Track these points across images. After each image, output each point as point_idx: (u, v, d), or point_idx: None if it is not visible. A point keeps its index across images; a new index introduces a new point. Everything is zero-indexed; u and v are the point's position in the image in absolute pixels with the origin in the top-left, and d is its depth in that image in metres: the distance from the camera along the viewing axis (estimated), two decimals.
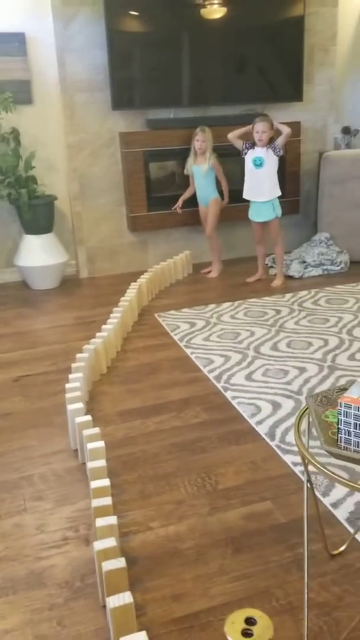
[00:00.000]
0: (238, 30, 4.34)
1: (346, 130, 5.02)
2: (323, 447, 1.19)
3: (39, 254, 4.32)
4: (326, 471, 1.15)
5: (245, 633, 1.41)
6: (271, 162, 3.97)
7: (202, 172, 4.25)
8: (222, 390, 2.61)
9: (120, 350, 3.17)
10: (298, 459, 2.06)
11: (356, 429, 1.14)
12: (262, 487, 1.95)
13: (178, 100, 4.39)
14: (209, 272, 4.48)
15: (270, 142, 3.96)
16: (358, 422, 1.14)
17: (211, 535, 1.74)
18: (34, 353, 3.20)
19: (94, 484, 1.71)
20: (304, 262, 4.45)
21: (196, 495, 1.93)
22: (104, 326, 3.11)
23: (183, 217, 4.54)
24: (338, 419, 1.16)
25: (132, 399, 2.61)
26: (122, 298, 3.56)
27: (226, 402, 2.52)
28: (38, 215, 4.25)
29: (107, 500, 1.64)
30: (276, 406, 2.43)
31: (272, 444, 2.17)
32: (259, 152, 3.97)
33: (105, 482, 1.72)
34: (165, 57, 4.24)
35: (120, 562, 1.40)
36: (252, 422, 2.33)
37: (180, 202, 4.40)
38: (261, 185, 4.02)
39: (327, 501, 1.84)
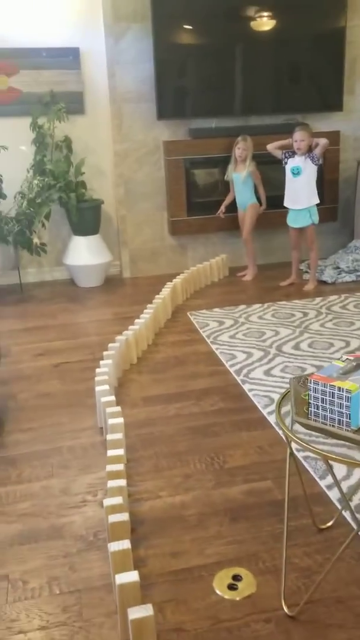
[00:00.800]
0: (280, 43, 4.51)
1: None
2: (294, 419, 1.36)
3: (85, 254, 4.62)
4: (304, 444, 1.32)
5: (231, 587, 1.59)
6: (309, 170, 4.11)
7: (241, 178, 4.43)
8: (240, 383, 2.79)
9: (152, 343, 3.40)
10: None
11: (324, 403, 1.31)
12: (265, 468, 2.12)
13: (220, 110, 4.60)
14: (244, 275, 4.65)
15: (310, 151, 4.10)
16: (325, 397, 1.31)
17: (213, 506, 1.93)
18: (74, 343, 3.48)
19: (110, 452, 1.93)
20: (338, 267, 4.56)
21: (204, 472, 2.12)
22: (136, 320, 3.35)
23: (221, 222, 4.73)
24: (309, 394, 1.33)
25: (157, 387, 2.83)
26: (157, 296, 3.79)
27: (243, 394, 2.70)
28: (86, 217, 4.55)
29: (120, 467, 1.86)
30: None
31: (281, 432, 2.33)
32: (297, 161, 4.13)
33: (120, 451, 1.94)
34: (208, 70, 4.47)
35: (123, 516, 1.62)
36: (264, 412, 2.50)
37: (223, 208, 4.60)
38: (299, 193, 4.17)
39: (323, 484, 2.00)
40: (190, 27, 4.38)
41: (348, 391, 1.27)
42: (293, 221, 4.29)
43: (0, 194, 4.35)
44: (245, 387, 2.74)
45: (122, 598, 1.39)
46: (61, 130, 4.54)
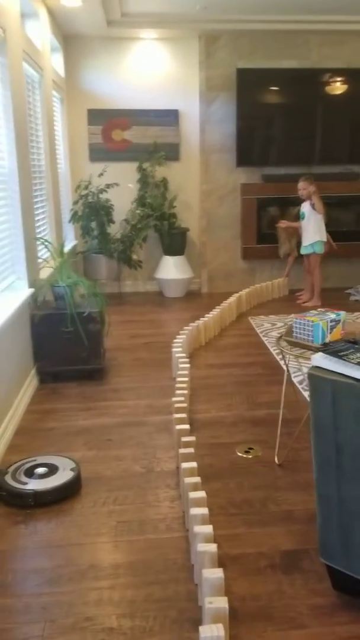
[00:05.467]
0: (338, 106, 5.55)
1: None
2: (284, 337, 2.36)
3: (173, 270, 5.78)
4: (286, 351, 2.30)
5: (246, 452, 2.57)
6: (311, 214, 5.07)
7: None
8: (277, 359, 3.76)
9: (217, 334, 4.44)
10: (303, 390, 3.14)
11: (302, 329, 2.30)
12: (282, 404, 3.07)
13: (289, 159, 5.67)
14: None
15: (310, 198, 5.05)
16: (301, 327, 2.29)
17: (243, 419, 2.92)
18: (159, 331, 4.59)
19: (177, 392, 2.95)
20: None
21: (241, 403, 3.12)
22: (206, 315, 4.41)
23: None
24: (293, 324, 2.33)
25: (217, 359, 3.86)
26: (224, 301, 4.84)
27: (279, 366, 3.67)
28: (174, 241, 5.73)
29: (183, 403, 2.86)
30: None
31: (300, 386, 3.28)
32: (302, 206, 5.12)
33: (184, 392, 2.95)
34: (279, 127, 5.58)
35: (185, 419, 2.64)
36: (293, 377, 3.45)
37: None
38: (305, 232, 5.16)
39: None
40: (264, 94, 5.53)
41: (313, 321, 2.25)
42: (303, 250, 5.26)
43: (110, 220, 5.63)
44: (281, 362, 3.71)
45: (181, 458, 2.40)
46: (160, 172, 5.79)
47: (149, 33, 5.48)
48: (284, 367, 2.72)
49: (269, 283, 5.61)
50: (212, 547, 1.61)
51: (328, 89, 5.57)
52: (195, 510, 1.80)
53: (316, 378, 1.54)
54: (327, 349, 1.58)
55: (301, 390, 3.26)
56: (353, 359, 1.51)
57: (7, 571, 1.81)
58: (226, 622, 1.40)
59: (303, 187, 5.08)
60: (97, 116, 5.79)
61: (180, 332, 4.04)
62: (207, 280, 6.02)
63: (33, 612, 1.64)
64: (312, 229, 5.15)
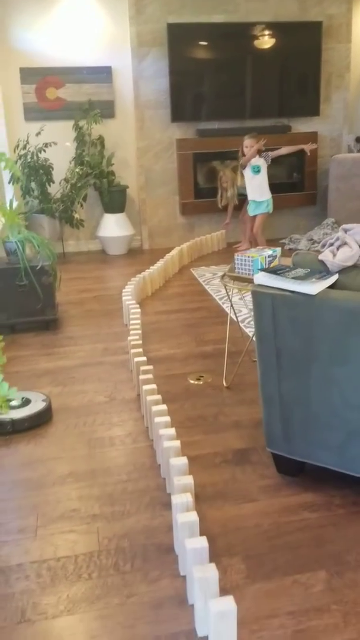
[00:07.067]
0: (267, 60, 5.79)
1: (358, 140, 6.31)
2: (227, 273, 2.64)
3: (114, 228, 5.93)
4: (230, 284, 2.58)
5: (197, 379, 2.87)
6: (265, 169, 5.26)
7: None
8: (221, 304, 4.07)
9: (162, 286, 4.69)
10: (245, 327, 3.47)
11: (243, 264, 2.58)
12: (227, 339, 3.39)
13: (221, 114, 5.88)
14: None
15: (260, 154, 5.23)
16: (241, 263, 2.58)
17: (193, 354, 3.22)
18: (106, 286, 4.79)
19: (131, 337, 3.18)
20: (312, 239, 5.80)
21: (189, 342, 3.41)
22: (151, 267, 4.64)
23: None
24: (235, 260, 2.61)
25: (165, 306, 4.13)
26: (167, 255, 5.08)
27: (222, 310, 3.98)
28: (114, 199, 5.87)
29: (138, 341, 3.10)
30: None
31: (241, 324, 3.60)
32: (252, 161, 5.24)
33: (138, 332, 3.20)
34: (211, 82, 5.76)
35: (143, 358, 2.90)
36: (234, 317, 3.77)
37: None
38: (259, 187, 5.30)
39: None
40: (195, 49, 5.68)
41: (253, 257, 2.54)
42: (253, 210, 5.45)
43: (50, 179, 5.69)
44: (224, 306, 4.02)
45: (142, 383, 2.66)
46: (96, 130, 5.87)
47: None
48: (228, 306, 3.01)
49: (208, 236, 5.88)
50: (176, 443, 1.90)
51: (256, 43, 5.76)
52: (159, 419, 2.08)
53: (259, 294, 1.83)
54: (267, 269, 1.86)
55: (243, 327, 3.58)
56: (289, 275, 1.80)
57: None
58: (192, 494, 1.70)
59: (250, 145, 5.19)
60: (30, 74, 5.75)
61: (127, 284, 4.26)
62: (148, 236, 6.22)
63: (25, 509, 1.89)
64: (267, 185, 5.30)
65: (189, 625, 1.46)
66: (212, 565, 1.40)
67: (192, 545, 1.46)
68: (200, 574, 1.36)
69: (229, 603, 1.28)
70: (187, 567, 1.49)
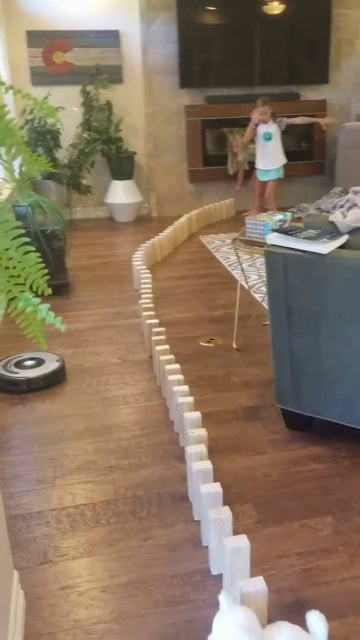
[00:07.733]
0: (276, 26, 5.69)
1: None
2: (238, 237, 2.67)
3: (122, 195, 5.92)
4: (242, 248, 2.62)
5: (208, 342, 2.93)
6: (278, 135, 5.16)
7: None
8: (230, 270, 4.10)
9: (171, 252, 4.72)
10: (254, 292, 3.51)
11: (254, 228, 2.61)
12: (237, 303, 3.43)
13: (230, 81, 5.81)
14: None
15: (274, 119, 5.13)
16: (253, 227, 2.61)
17: (203, 318, 3.27)
18: (115, 252, 4.82)
19: (142, 301, 3.23)
20: (319, 208, 5.79)
21: (200, 307, 3.46)
22: (160, 234, 4.66)
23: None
24: (246, 225, 2.64)
25: (175, 273, 4.16)
26: (176, 222, 5.09)
27: (231, 276, 4.01)
28: (122, 165, 5.85)
29: (150, 304, 3.15)
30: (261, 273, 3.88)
31: (251, 290, 3.64)
32: (266, 127, 5.14)
33: (149, 299, 3.24)
34: (220, 48, 5.68)
35: (155, 320, 2.95)
36: (243, 283, 3.81)
37: None
38: (273, 154, 5.22)
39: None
40: (204, 14, 5.58)
41: (264, 221, 2.57)
42: (264, 176, 5.39)
43: (57, 145, 5.66)
44: (234, 272, 4.05)
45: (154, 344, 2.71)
46: (104, 95, 5.81)
47: None
48: (238, 272, 3.05)
49: (217, 204, 5.87)
50: (190, 399, 1.97)
51: (266, 8, 5.66)
52: (173, 377, 2.15)
53: (271, 253, 1.87)
54: (279, 229, 1.90)
55: (252, 293, 3.63)
56: (300, 235, 1.83)
57: (14, 438, 2.12)
58: (206, 445, 1.77)
59: (265, 112, 5.05)
60: (37, 38, 5.67)
61: (137, 250, 4.29)
62: (156, 204, 6.21)
63: (44, 461, 1.97)
64: (281, 151, 5.23)
65: (204, 564, 1.55)
66: (226, 508, 1.48)
67: (206, 490, 1.54)
68: (215, 515, 1.43)
69: (242, 540, 1.36)
70: (202, 511, 1.56)
